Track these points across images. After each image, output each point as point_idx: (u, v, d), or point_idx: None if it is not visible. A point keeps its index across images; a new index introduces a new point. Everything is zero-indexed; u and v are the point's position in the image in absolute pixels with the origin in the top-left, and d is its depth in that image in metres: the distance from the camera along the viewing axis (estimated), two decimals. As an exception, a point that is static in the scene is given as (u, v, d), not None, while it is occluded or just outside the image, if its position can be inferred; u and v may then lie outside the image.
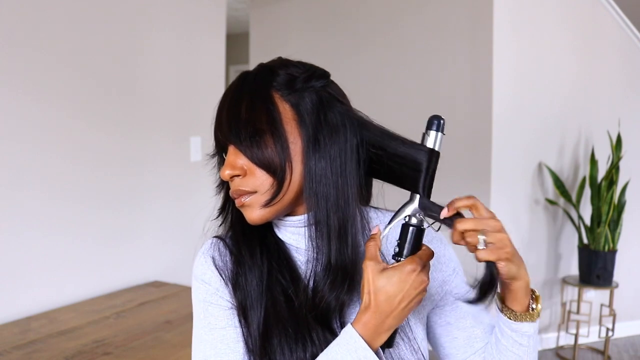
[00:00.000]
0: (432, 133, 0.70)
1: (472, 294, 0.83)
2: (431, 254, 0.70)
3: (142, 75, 2.20)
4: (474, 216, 0.68)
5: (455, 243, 0.68)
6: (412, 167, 0.70)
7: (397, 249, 0.70)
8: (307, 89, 0.73)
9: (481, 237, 0.66)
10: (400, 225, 0.71)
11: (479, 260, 0.68)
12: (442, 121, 0.70)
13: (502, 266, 0.67)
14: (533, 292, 0.74)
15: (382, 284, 0.66)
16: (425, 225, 0.70)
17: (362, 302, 0.68)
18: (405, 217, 0.70)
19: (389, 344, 0.70)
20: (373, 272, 0.67)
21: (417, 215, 0.70)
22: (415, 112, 3.22)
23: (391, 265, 0.68)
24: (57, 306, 1.87)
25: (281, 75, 0.74)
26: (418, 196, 0.70)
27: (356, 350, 0.66)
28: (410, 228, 0.70)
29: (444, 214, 0.68)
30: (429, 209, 0.69)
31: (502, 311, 0.75)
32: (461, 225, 0.67)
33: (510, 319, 0.74)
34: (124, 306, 1.89)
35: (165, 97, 2.30)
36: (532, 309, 0.74)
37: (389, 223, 0.71)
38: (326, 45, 3.52)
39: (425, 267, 0.69)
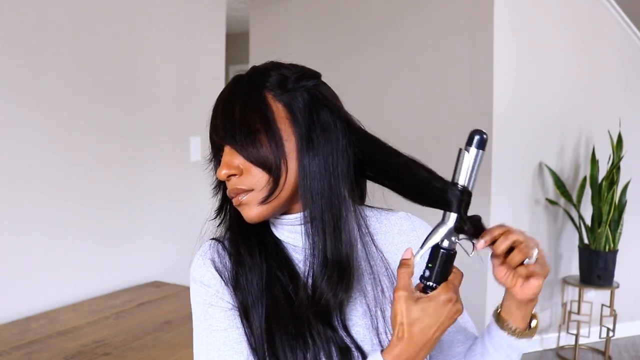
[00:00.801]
0: (473, 150, 0.66)
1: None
2: (462, 277, 0.69)
3: (142, 75, 2.20)
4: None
5: (498, 255, 0.67)
6: (428, 187, 0.68)
7: (427, 273, 0.67)
8: (298, 89, 0.74)
9: (534, 251, 0.66)
10: (430, 247, 0.68)
11: (528, 276, 0.68)
12: (484, 136, 0.66)
13: (539, 285, 0.68)
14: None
15: (417, 315, 0.65)
16: (457, 247, 0.67)
17: (393, 334, 0.67)
18: (439, 239, 0.67)
19: None
20: (407, 303, 0.65)
21: (451, 238, 0.66)
22: (415, 112, 3.23)
23: (425, 295, 0.66)
24: (56, 306, 1.87)
25: (273, 76, 0.75)
26: (453, 217, 0.67)
27: None
28: (441, 251, 0.66)
29: (481, 246, 0.66)
30: (464, 232, 0.67)
31: (503, 328, 0.75)
32: (514, 237, 0.66)
33: (512, 335, 0.75)
34: (124, 306, 1.89)
35: (165, 97, 2.30)
36: (531, 327, 0.75)
37: (422, 247, 0.68)
38: (326, 45, 3.52)
39: (457, 292, 0.68)
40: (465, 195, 0.67)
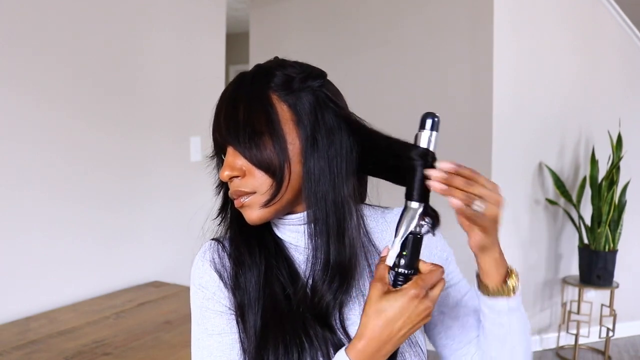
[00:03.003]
0: (426, 132, 0.65)
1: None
2: (437, 275, 0.66)
3: (142, 75, 2.20)
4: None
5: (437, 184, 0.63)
6: (407, 170, 0.67)
7: (398, 260, 0.67)
8: (304, 89, 0.73)
9: (481, 205, 0.63)
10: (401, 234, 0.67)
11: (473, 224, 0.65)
12: (436, 119, 0.65)
13: (477, 234, 0.66)
14: (509, 268, 0.72)
15: (384, 307, 0.64)
16: (423, 231, 0.66)
17: (360, 325, 0.66)
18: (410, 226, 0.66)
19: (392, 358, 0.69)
20: (379, 293, 0.65)
21: (415, 221, 0.66)
22: (415, 112, 3.18)
23: (394, 290, 0.65)
24: (56, 306, 1.87)
25: (278, 76, 0.73)
26: (414, 203, 0.66)
27: None
28: (409, 236, 0.66)
29: (447, 167, 0.63)
30: (428, 215, 0.66)
31: (479, 288, 0.73)
32: (480, 180, 0.64)
33: (484, 294, 0.73)
34: (124, 306, 1.89)
35: (165, 97, 2.30)
36: (507, 285, 0.71)
37: (395, 236, 0.67)
38: (326, 45, 3.52)
39: (430, 290, 0.66)
40: (429, 158, 0.65)
